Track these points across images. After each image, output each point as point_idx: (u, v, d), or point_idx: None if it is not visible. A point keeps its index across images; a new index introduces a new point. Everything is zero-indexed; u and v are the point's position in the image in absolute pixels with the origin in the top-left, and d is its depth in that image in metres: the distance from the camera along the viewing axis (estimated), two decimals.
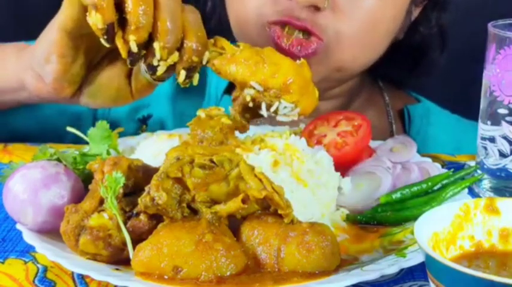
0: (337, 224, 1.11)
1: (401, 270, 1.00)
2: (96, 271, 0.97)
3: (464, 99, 1.46)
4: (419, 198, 1.14)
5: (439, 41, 1.50)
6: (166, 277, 0.95)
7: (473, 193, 1.21)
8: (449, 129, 1.53)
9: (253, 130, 1.20)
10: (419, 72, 1.54)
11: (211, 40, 1.11)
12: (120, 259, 1.01)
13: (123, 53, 1.05)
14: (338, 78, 1.35)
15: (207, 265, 0.95)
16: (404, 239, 1.06)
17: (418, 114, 1.54)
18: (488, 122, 1.19)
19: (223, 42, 1.12)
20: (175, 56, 1.06)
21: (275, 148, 1.11)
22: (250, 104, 1.11)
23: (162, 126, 1.51)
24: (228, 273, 0.95)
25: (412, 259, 0.98)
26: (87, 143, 1.19)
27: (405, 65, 1.53)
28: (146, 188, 1.00)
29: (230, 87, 1.51)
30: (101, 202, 1.02)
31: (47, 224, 1.05)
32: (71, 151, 1.18)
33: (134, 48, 1.04)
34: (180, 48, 1.06)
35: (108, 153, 1.17)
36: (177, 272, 0.95)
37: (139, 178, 1.05)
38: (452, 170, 1.18)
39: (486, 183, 1.22)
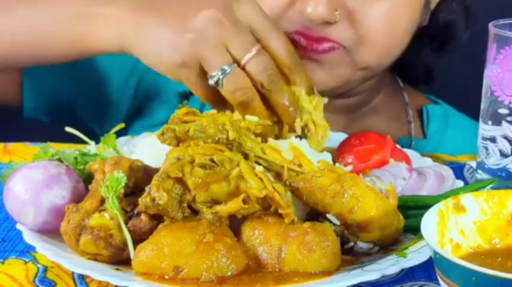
0: None
1: (402, 270, 1.00)
2: (97, 271, 0.97)
3: (464, 100, 1.46)
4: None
5: (464, 18, 1.50)
6: (167, 277, 0.95)
7: None
8: (467, 132, 1.52)
9: None
10: (445, 51, 1.53)
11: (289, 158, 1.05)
12: (120, 259, 1.01)
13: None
14: (363, 76, 1.37)
15: (208, 265, 0.95)
16: (405, 239, 1.06)
17: (437, 115, 1.55)
18: (489, 122, 1.19)
19: (303, 159, 1.05)
20: None
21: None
22: None
23: (202, 108, 1.42)
24: (229, 273, 0.95)
25: (413, 259, 0.98)
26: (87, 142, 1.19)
27: (432, 46, 1.53)
28: (147, 188, 0.99)
29: None
30: (102, 201, 1.02)
31: (47, 224, 1.05)
32: (71, 150, 1.18)
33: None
34: None
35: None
36: (178, 272, 0.95)
37: (139, 178, 1.05)
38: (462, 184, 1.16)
39: None
